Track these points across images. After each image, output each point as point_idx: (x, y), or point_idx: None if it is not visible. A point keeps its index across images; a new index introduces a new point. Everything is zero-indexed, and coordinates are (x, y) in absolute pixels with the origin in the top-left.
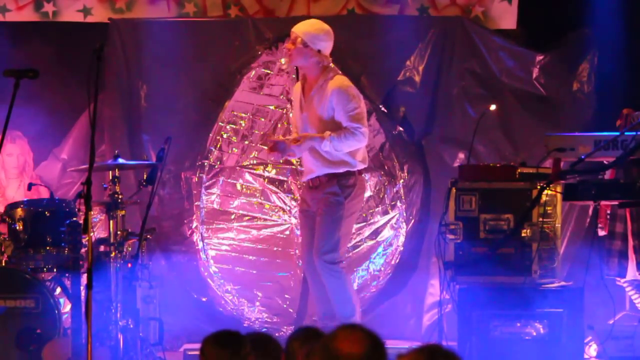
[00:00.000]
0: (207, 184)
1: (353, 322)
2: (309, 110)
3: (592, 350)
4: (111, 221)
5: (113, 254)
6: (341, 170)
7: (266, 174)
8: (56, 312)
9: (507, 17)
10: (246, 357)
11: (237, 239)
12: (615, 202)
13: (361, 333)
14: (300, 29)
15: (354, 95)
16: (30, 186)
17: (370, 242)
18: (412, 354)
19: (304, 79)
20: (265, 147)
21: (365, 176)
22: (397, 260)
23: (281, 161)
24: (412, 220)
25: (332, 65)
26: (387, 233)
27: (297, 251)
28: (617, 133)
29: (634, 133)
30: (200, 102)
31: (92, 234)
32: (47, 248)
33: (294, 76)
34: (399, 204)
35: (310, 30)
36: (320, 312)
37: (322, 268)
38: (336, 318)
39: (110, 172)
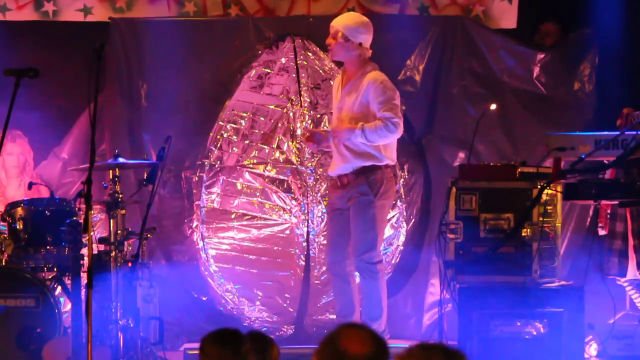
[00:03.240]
0: (208, 183)
1: (379, 324)
2: (344, 102)
3: (592, 349)
4: (111, 220)
5: (113, 253)
6: (368, 163)
7: (266, 173)
8: (56, 311)
9: (507, 17)
10: (246, 355)
11: (238, 238)
12: (616, 202)
13: (366, 333)
14: (340, 23)
15: (389, 87)
16: (30, 185)
17: None
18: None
19: (344, 72)
20: (266, 147)
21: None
22: (398, 260)
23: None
24: (413, 220)
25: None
26: (387, 232)
27: (297, 250)
28: (618, 132)
29: (634, 132)
30: (200, 102)
31: (92, 233)
32: (48, 247)
33: (294, 75)
34: (399, 203)
35: (350, 23)
36: (338, 312)
37: (362, 269)
38: (362, 318)
39: (111, 171)
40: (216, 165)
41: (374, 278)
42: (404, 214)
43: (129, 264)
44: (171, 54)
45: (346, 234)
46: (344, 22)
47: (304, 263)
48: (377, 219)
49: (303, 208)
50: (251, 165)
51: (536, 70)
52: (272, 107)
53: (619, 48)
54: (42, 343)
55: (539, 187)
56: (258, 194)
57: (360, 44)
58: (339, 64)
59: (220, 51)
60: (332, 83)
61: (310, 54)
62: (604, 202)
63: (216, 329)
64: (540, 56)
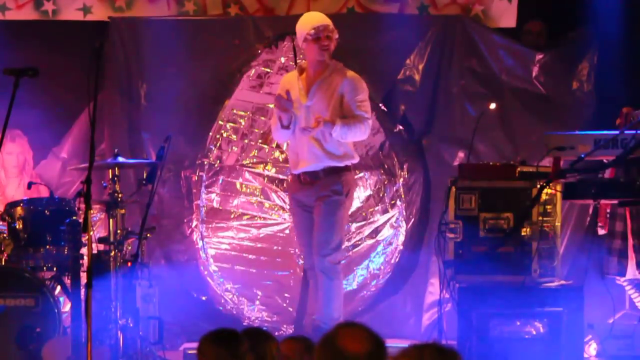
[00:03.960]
0: (207, 182)
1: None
2: (314, 99)
3: (591, 349)
4: (111, 220)
5: (113, 253)
6: (342, 164)
7: (266, 172)
8: (56, 311)
9: (507, 16)
10: (244, 355)
11: (237, 237)
12: (615, 201)
13: (364, 331)
14: (329, 20)
15: (365, 86)
16: (30, 185)
17: (370, 241)
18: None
19: (304, 70)
20: (266, 146)
21: (365, 174)
22: (397, 259)
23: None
24: (412, 219)
25: None
26: (386, 232)
27: (296, 250)
28: (617, 132)
29: (633, 132)
30: (200, 101)
31: (91, 232)
32: (47, 247)
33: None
34: (398, 202)
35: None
36: (304, 311)
37: (324, 268)
38: (322, 318)
39: (110, 170)
40: (216, 165)
41: (338, 278)
42: (404, 213)
43: (129, 264)
44: (171, 53)
45: (313, 233)
46: (328, 19)
47: (303, 262)
48: (344, 219)
49: None
50: (251, 165)
51: (535, 70)
52: (271, 106)
53: (618, 47)
54: (41, 343)
55: (538, 186)
56: (257, 193)
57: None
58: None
59: (219, 50)
60: None
61: None
62: (603, 201)
63: (214, 329)
64: (540, 56)
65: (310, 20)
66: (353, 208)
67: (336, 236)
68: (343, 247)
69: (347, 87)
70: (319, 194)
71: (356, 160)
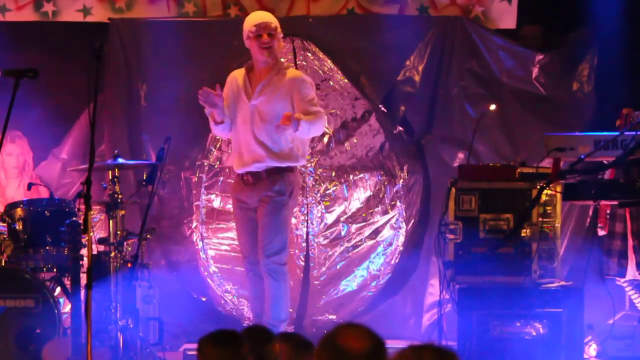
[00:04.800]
0: (207, 183)
1: (284, 327)
2: (259, 98)
3: (591, 350)
4: (111, 221)
5: (113, 253)
6: (284, 164)
7: None
8: (56, 312)
9: (506, 17)
10: (245, 356)
11: (237, 238)
12: (615, 202)
13: (364, 330)
14: (275, 19)
15: (312, 84)
16: (30, 186)
17: (370, 242)
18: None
19: (250, 70)
20: None
21: (365, 176)
22: (397, 260)
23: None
24: (412, 220)
25: None
26: (386, 233)
27: (296, 251)
28: (617, 133)
29: (633, 133)
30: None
31: (91, 233)
32: (47, 248)
33: None
34: (398, 203)
35: (277, 20)
36: (257, 311)
37: (270, 270)
38: (269, 320)
39: (110, 171)
40: (216, 166)
41: (284, 279)
42: (404, 214)
43: (129, 265)
44: (171, 54)
45: (256, 234)
46: (275, 19)
47: (303, 263)
48: (288, 220)
49: (302, 209)
50: None
51: (535, 71)
52: None
53: (618, 48)
54: (41, 344)
55: (538, 187)
56: None
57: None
58: (339, 63)
59: (219, 51)
60: (331, 83)
61: (309, 55)
62: (603, 202)
63: (214, 330)
64: (540, 57)
65: (253, 18)
66: (353, 209)
67: (280, 237)
68: (288, 247)
69: (295, 87)
70: (261, 194)
71: (301, 161)
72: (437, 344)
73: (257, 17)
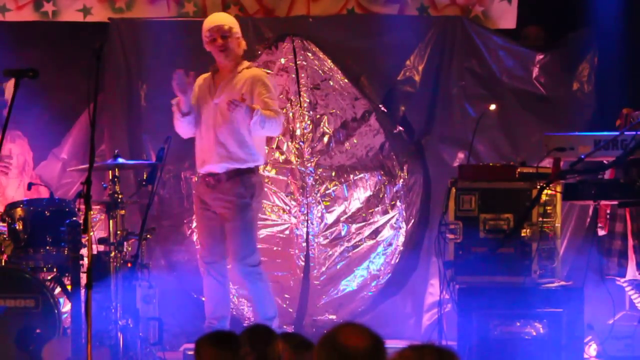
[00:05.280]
0: None
1: (271, 323)
2: (221, 97)
3: (591, 349)
4: (111, 221)
5: (113, 253)
6: (244, 166)
7: (266, 173)
8: (56, 311)
9: (506, 17)
10: (244, 357)
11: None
12: (615, 202)
13: (363, 329)
14: (229, 20)
15: (271, 84)
16: (30, 186)
17: (370, 242)
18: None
19: (215, 70)
20: (265, 148)
21: (365, 175)
22: (397, 260)
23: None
24: (412, 220)
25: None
26: (387, 233)
27: (296, 251)
28: (617, 133)
29: (633, 133)
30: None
31: (91, 233)
32: (47, 248)
33: (293, 75)
34: (398, 203)
35: (233, 19)
36: (212, 312)
37: (246, 273)
38: (259, 320)
39: (110, 171)
40: None
41: (261, 280)
42: (404, 214)
43: (129, 265)
44: (171, 54)
45: (218, 236)
46: (230, 19)
47: (303, 263)
48: (255, 222)
49: (302, 208)
50: None
51: (535, 71)
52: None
53: (618, 48)
54: (41, 344)
55: (538, 187)
56: None
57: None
58: (339, 63)
59: None
60: (331, 83)
61: (309, 55)
62: (603, 202)
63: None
64: (540, 56)
65: (206, 23)
66: (353, 209)
67: (249, 239)
68: (257, 248)
69: (255, 85)
70: (224, 199)
71: (261, 162)
72: (437, 344)
73: (209, 22)
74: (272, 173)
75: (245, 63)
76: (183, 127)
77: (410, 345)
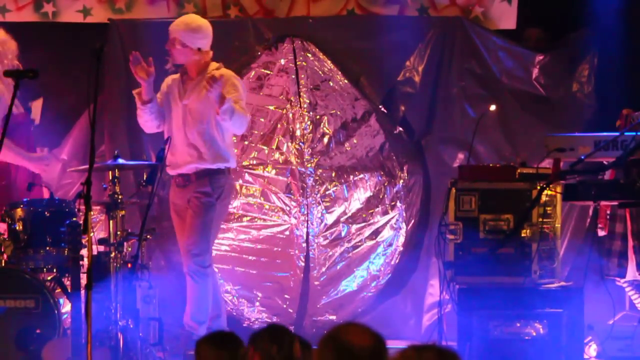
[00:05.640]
0: None
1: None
2: (190, 98)
3: (591, 350)
4: (111, 221)
5: (113, 254)
6: (214, 166)
7: (266, 174)
8: (56, 312)
9: (506, 18)
10: (243, 358)
11: (237, 239)
12: (615, 203)
13: (365, 328)
14: (177, 29)
15: (239, 84)
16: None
17: (370, 243)
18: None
19: (185, 72)
20: (265, 148)
21: (365, 176)
22: (397, 261)
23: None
24: (412, 221)
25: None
26: (387, 233)
27: (296, 251)
28: (617, 133)
29: (633, 133)
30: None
31: (91, 234)
32: (47, 248)
33: (293, 76)
34: (398, 204)
35: (187, 29)
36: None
37: (193, 271)
38: (187, 321)
39: (110, 172)
40: None
41: (206, 282)
42: (404, 215)
43: (129, 265)
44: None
45: None
46: (180, 28)
47: (303, 264)
48: (215, 223)
49: (302, 209)
50: (251, 166)
51: (535, 71)
52: (271, 108)
53: (618, 49)
54: (41, 344)
55: (538, 188)
56: (257, 194)
57: (199, 49)
58: (339, 64)
59: (219, 52)
60: (331, 84)
61: (309, 55)
62: (603, 203)
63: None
64: (540, 57)
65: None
66: (353, 209)
67: (204, 239)
68: (211, 250)
69: (223, 85)
70: (190, 196)
71: (233, 165)
72: (439, 344)
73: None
74: (272, 174)
75: (214, 64)
76: (144, 117)
77: (412, 345)
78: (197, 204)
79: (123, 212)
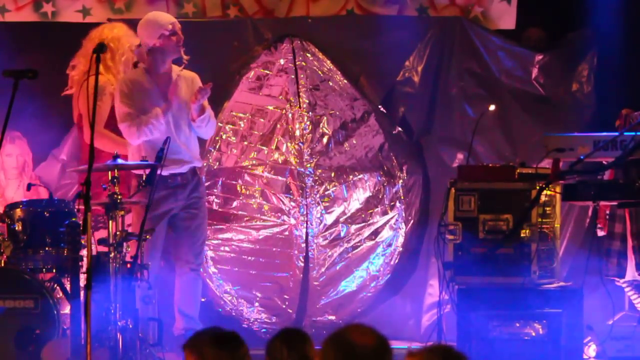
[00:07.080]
0: (206, 184)
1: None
2: (179, 97)
3: (591, 350)
4: (110, 222)
5: (112, 254)
6: (200, 165)
7: (265, 174)
8: (55, 312)
9: (506, 18)
10: (244, 357)
11: (236, 239)
12: (615, 203)
13: (370, 329)
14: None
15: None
16: (29, 186)
17: (370, 243)
18: (424, 353)
19: (145, 71)
20: (265, 148)
21: (364, 176)
22: (397, 261)
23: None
24: (412, 221)
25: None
26: (386, 233)
27: (296, 251)
28: (616, 133)
29: (633, 133)
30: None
31: (91, 234)
32: (47, 248)
33: (292, 76)
34: (398, 204)
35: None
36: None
37: (199, 266)
38: (195, 318)
39: (110, 172)
40: (215, 167)
41: (200, 280)
42: (403, 215)
43: (128, 265)
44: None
45: (183, 236)
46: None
47: (302, 264)
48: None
49: (302, 209)
50: (250, 167)
51: (535, 71)
52: (270, 108)
53: (617, 49)
54: (40, 344)
55: (537, 188)
56: (257, 195)
57: (139, 45)
58: (338, 64)
59: (218, 52)
60: (331, 84)
61: (309, 55)
62: (602, 203)
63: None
64: (539, 57)
65: (164, 17)
66: (352, 209)
67: (205, 237)
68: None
69: (194, 87)
70: (193, 197)
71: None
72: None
73: (167, 17)
74: (272, 174)
75: (175, 66)
76: (160, 129)
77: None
78: (202, 206)
79: (122, 213)
